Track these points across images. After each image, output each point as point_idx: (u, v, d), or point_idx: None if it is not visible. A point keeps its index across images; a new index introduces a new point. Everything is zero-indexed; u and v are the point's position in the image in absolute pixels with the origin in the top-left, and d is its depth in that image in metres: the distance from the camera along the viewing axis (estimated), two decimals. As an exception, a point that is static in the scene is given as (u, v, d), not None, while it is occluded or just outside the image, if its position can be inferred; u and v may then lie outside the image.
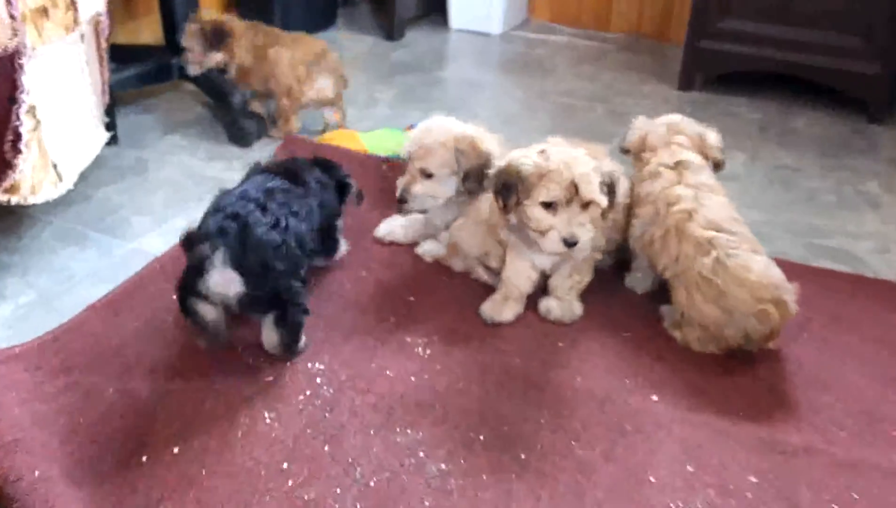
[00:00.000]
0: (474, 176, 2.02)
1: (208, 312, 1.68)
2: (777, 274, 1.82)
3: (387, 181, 2.47)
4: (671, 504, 1.49)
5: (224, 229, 1.62)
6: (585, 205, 1.78)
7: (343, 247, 2.12)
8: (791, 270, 2.06)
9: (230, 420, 1.64)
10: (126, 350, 1.81)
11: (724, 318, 1.79)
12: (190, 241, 1.65)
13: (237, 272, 1.62)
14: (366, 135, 2.78)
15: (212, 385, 1.72)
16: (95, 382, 1.72)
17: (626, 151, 2.16)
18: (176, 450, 1.56)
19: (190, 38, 2.76)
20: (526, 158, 1.80)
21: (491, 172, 1.88)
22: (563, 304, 1.95)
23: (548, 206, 1.77)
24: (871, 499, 1.53)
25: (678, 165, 2.00)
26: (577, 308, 1.97)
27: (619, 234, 2.05)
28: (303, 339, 1.80)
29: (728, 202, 1.98)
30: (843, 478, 1.57)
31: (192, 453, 1.56)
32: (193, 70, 2.79)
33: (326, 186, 1.98)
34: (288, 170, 1.89)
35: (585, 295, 2.00)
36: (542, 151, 1.81)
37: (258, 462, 1.54)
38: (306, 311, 1.76)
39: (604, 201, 1.79)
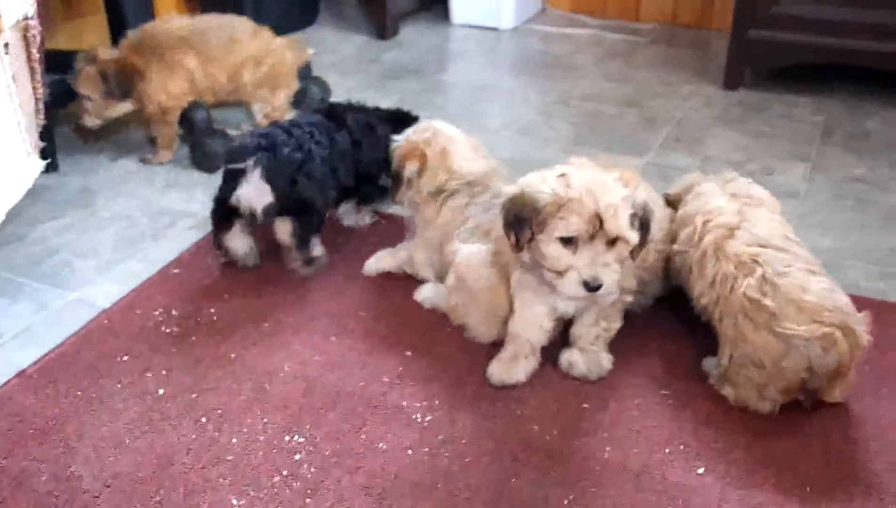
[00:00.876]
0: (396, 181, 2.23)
1: (239, 247, 2.28)
2: (843, 298, 1.78)
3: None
4: None
5: (258, 147, 2.16)
6: (612, 242, 1.74)
7: (367, 218, 2.55)
8: (866, 305, 2.02)
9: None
10: (64, 427, 1.78)
11: (780, 347, 1.74)
12: (230, 155, 2.21)
13: (268, 184, 2.14)
14: None
15: (168, 466, 1.69)
16: (25, 467, 1.69)
17: (670, 203, 2.14)
18: (122, 550, 1.53)
19: (86, 85, 2.68)
20: (542, 184, 1.77)
21: (500, 200, 1.85)
22: (588, 357, 1.92)
23: (567, 242, 1.74)
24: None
25: (725, 182, 1.99)
26: (606, 362, 1.93)
27: (653, 274, 2.02)
28: (319, 249, 2.27)
29: (783, 221, 1.95)
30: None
31: (142, 553, 1.52)
32: (91, 123, 2.77)
33: (371, 129, 2.41)
34: (331, 110, 2.43)
35: (614, 345, 1.97)
36: (562, 176, 1.77)
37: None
38: (322, 222, 2.27)
39: (634, 237, 1.76)
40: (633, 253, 1.80)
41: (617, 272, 1.76)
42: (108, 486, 1.65)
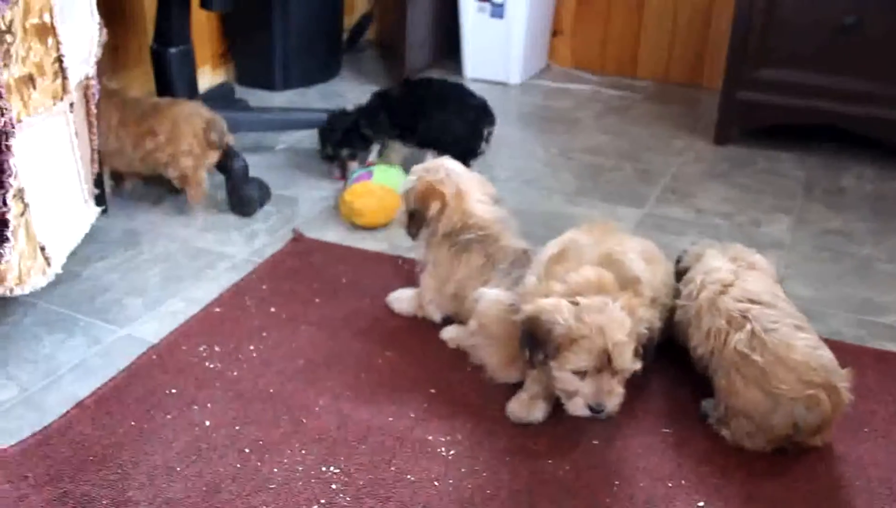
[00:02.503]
0: (416, 219, 2.23)
1: None
2: (827, 355, 1.84)
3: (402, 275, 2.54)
4: None
5: None
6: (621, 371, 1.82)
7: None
8: (847, 352, 2.09)
9: (236, 535, 1.65)
10: (120, 454, 1.83)
11: (768, 404, 1.80)
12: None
13: None
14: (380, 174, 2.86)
15: (216, 494, 1.74)
16: (87, 492, 1.73)
17: (680, 273, 2.19)
18: (178, 571, 1.57)
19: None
20: (557, 313, 1.80)
21: (519, 317, 1.89)
22: (597, 398, 1.97)
23: (577, 371, 1.81)
24: None
25: (727, 248, 2.05)
26: (613, 403, 1.98)
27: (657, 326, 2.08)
28: None
29: (772, 282, 2.01)
30: None
31: (196, 574, 1.57)
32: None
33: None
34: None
35: (622, 386, 2.02)
36: (576, 304, 1.81)
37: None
38: None
39: (637, 365, 1.83)
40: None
41: (619, 396, 1.83)
42: (163, 511, 1.70)
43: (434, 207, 2.21)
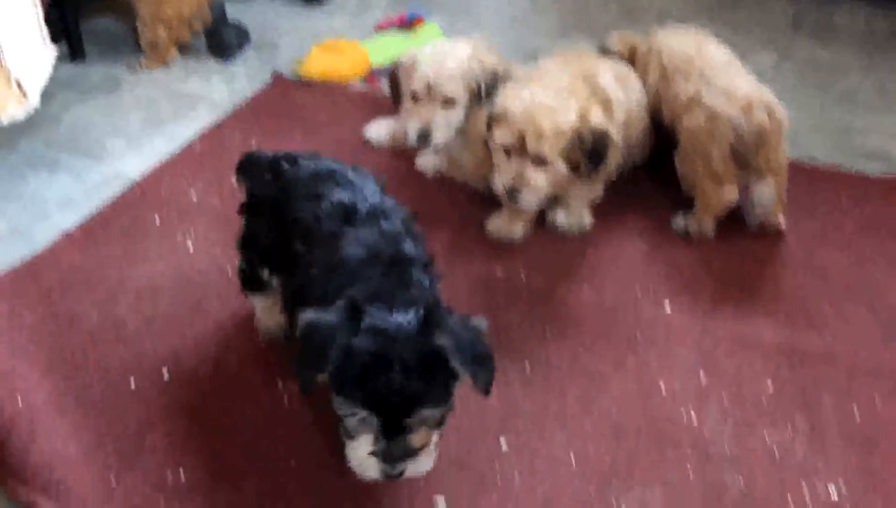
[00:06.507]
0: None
1: None
2: (766, 90, 2.01)
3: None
4: (683, 413, 1.60)
5: None
6: (543, 161, 1.87)
7: None
8: (820, 173, 2.15)
9: (219, 341, 1.75)
10: (108, 278, 1.91)
11: (709, 125, 1.95)
12: None
13: None
14: (368, 44, 2.85)
15: (200, 305, 1.83)
16: (77, 310, 1.82)
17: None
18: (166, 375, 1.68)
19: None
20: (503, 97, 1.92)
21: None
22: (570, 214, 2.04)
23: (506, 149, 1.89)
24: (896, 404, 1.63)
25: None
26: (587, 218, 2.06)
27: (636, 144, 2.13)
28: None
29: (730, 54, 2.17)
30: (867, 384, 1.67)
31: (184, 376, 1.67)
32: None
33: None
34: None
35: (596, 205, 2.09)
36: (522, 90, 1.91)
37: (249, 382, 1.66)
38: None
39: (560, 165, 1.87)
40: (578, 170, 1.90)
41: (537, 191, 1.89)
42: (149, 324, 1.79)
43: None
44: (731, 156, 1.94)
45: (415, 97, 2.09)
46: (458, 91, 2.08)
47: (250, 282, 1.68)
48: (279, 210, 1.52)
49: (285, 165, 1.57)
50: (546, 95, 1.87)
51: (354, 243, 1.36)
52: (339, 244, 1.38)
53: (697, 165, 1.98)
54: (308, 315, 1.25)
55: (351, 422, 1.23)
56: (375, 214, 1.43)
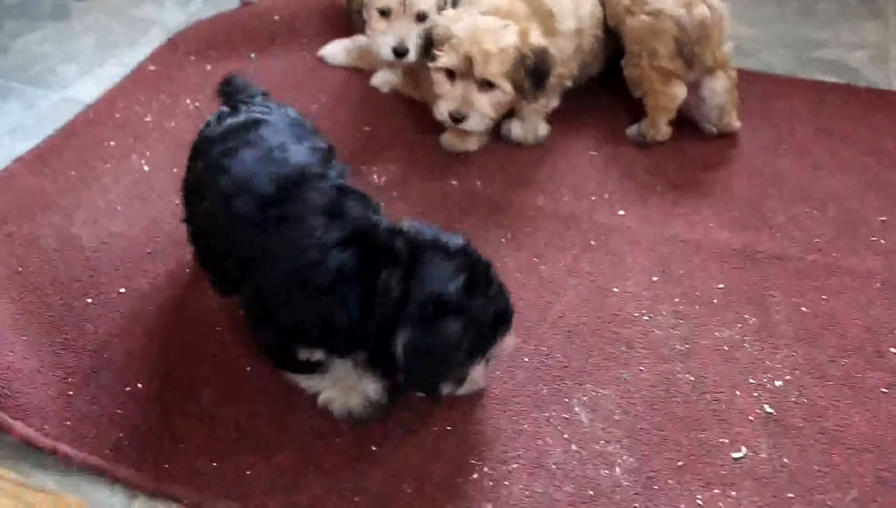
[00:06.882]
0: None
1: None
2: None
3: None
4: (635, 314, 1.63)
5: None
6: (489, 84, 1.88)
7: None
8: (777, 83, 2.16)
9: (177, 259, 1.75)
10: (63, 199, 1.91)
11: (652, 21, 1.97)
12: None
13: None
14: None
15: (157, 226, 1.83)
16: (32, 231, 1.82)
17: None
18: (122, 290, 1.68)
19: None
20: (445, 20, 1.93)
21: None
22: (526, 125, 2.05)
23: (449, 73, 1.90)
24: (842, 300, 1.67)
25: None
26: (542, 129, 2.06)
27: (591, 56, 2.12)
28: None
29: None
30: (815, 282, 1.71)
31: (139, 292, 1.68)
32: None
33: None
34: None
35: (552, 115, 2.10)
36: (467, 16, 1.91)
37: (205, 294, 1.66)
38: None
39: (506, 86, 1.88)
40: (523, 93, 1.91)
41: (483, 115, 1.91)
42: (106, 243, 1.79)
43: None
44: (677, 51, 1.94)
45: (385, 13, 2.07)
46: (431, 5, 2.06)
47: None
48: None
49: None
50: (486, 18, 1.88)
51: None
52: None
53: (644, 64, 1.99)
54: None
55: None
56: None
